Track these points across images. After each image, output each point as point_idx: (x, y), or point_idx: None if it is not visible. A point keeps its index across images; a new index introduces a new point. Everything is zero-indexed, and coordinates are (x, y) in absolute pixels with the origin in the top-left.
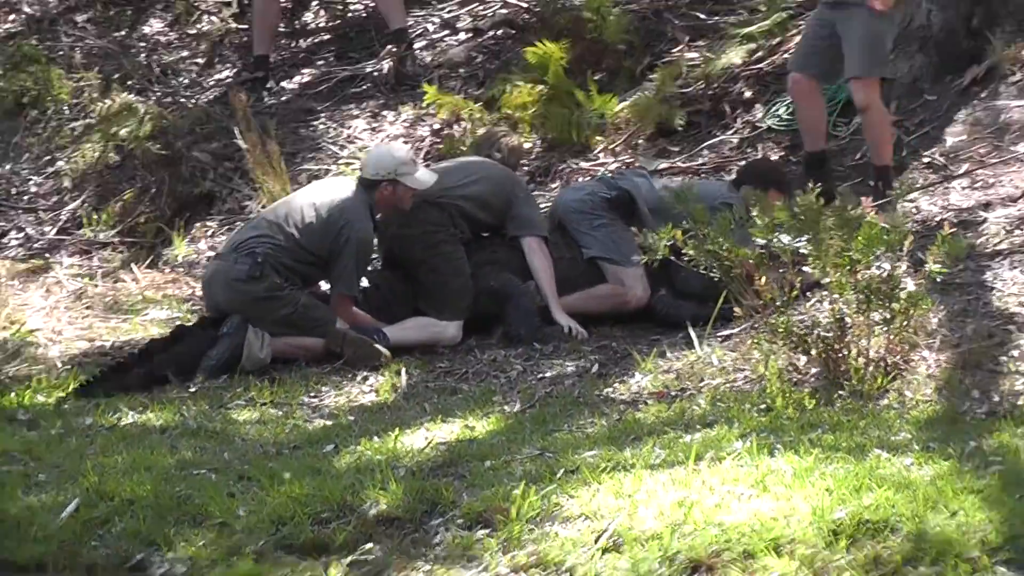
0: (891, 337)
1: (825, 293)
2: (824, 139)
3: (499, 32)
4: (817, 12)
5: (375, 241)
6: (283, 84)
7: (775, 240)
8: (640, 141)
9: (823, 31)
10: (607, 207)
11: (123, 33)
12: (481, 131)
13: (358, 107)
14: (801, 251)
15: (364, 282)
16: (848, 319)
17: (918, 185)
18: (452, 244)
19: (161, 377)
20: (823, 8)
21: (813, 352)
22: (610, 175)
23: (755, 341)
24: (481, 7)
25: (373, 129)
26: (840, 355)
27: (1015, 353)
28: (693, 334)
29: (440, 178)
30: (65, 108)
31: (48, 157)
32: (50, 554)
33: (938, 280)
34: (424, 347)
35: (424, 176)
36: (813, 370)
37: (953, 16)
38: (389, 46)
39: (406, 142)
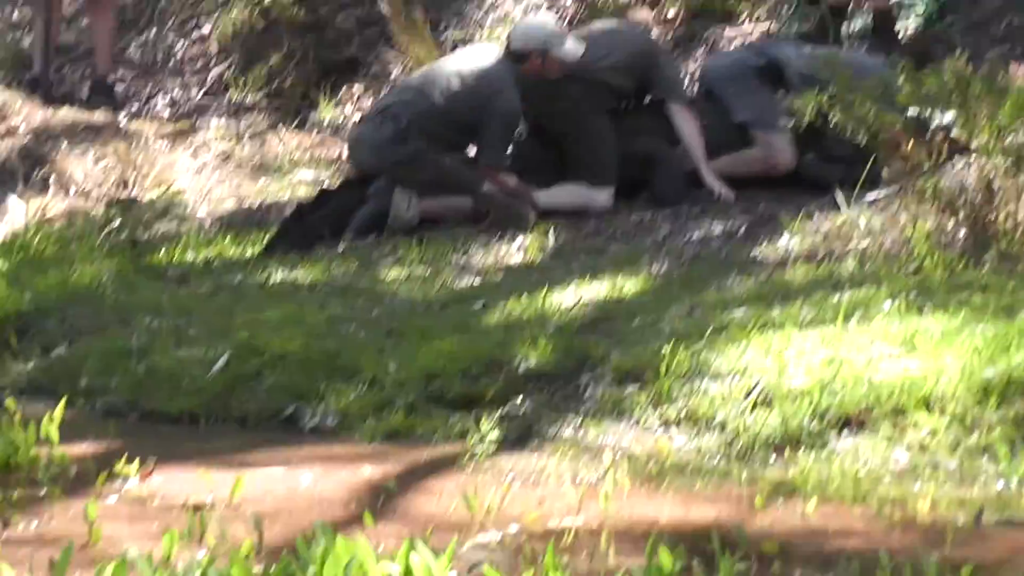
0: None
1: (973, 157)
2: None
3: None
4: None
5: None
6: None
7: (923, 111)
8: (785, 8)
9: None
10: (756, 73)
11: None
12: None
13: None
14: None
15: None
16: (996, 183)
17: None
18: (597, 114)
19: (318, 235)
20: None
21: (961, 215)
22: (759, 43)
23: (903, 203)
24: None
25: None
26: (988, 218)
27: None
28: (840, 197)
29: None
30: None
31: (193, 22)
32: (202, 406)
33: None
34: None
35: (573, 47)
36: (961, 232)
37: None
38: None
39: (550, 8)
